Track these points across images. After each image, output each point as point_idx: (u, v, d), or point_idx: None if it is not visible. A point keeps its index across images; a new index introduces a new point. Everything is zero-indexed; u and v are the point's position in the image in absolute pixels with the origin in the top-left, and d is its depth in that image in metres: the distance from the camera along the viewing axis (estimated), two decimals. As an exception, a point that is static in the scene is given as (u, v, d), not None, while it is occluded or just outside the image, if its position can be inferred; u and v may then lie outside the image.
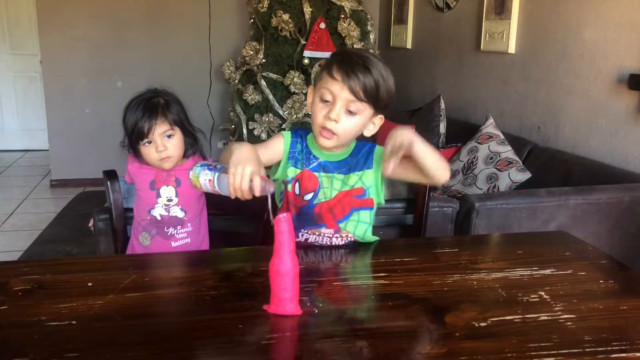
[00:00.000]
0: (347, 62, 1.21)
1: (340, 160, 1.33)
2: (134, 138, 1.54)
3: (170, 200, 1.61)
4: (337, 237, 1.32)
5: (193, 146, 1.64)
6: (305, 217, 1.32)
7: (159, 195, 1.61)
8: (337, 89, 1.21)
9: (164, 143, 1.55)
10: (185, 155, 1.63)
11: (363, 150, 1.34)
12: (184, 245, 1.63)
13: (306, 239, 1.33)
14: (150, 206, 1.62)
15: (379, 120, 1.30)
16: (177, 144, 1.58)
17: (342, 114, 1.22)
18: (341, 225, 1.32)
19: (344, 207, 1.32)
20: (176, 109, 1.58)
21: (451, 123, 3.22)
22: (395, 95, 1.28)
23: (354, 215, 1.32)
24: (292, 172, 1.33)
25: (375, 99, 1.22)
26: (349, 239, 1.33)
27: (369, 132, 1.30)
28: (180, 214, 1.62)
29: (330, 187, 1.32)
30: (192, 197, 1.64)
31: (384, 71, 1.23)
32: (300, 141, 1.35)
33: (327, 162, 1.33)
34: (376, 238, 1.36)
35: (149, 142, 1.54)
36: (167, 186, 1.61)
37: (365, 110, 1.24)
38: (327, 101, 1.23)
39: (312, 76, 3.63)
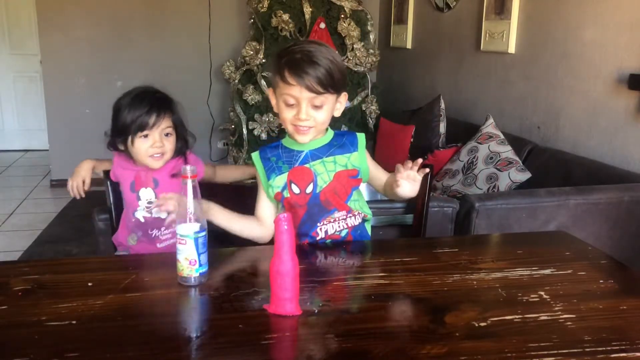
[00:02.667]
0: (294, 64, 1.25)
1: (324, 145, 1.37)
2: (133, 130, 1.52)
3: (150, 202, 1.60)
4: (350, 217, 1.37)
5: (181, 150, 1.62)
6: (316, 209, 1.34)
7: (139, 198, 1.60)
8: (297, 92, 1.25)
9: (162, 140, 1.54)
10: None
11: (345, 136, 1.39)
12: (171, 246, 1.60)
13: (325, 231, 1.35)
14: (133, 208, 1.61)
15: (344, 97, 1.35)
16: (172, 144, 1.57)
17: (309, 111, 1.28)
18: (349, 204, 1.37)
19: (345, 187, 1.36)
20: (179, 110, 1.59)
21: (451, 123, 3.21)
22: (346, 70, 1.34)
23: (354, 194, 1.38)
24: (279, 180, 1.35)
25: (332, 85, 1.27)
26: (359, 216, 1.38)
27: (338, 112, 1.36)
28: (164, 215, 1.55)
29: (325, 170, 1.35)
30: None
31: (329, 55, 1.27)
32: (272, 152, 1.38)
33: (312, 150, 1.36)
34: (369, 211, 1.43)
35: (145, 136, 1.53)
36: (146, 188, 1.60)
37: (328, 98, 1.29)
38: (291, 104, 1.28)
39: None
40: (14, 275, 1.11)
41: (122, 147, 1.58)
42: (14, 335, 0.90)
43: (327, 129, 1.38)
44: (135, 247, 1.64)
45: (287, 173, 1.34)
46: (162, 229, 1.61)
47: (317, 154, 1.35)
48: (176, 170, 1.61)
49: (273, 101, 1.35)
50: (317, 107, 1.28)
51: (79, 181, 1.68)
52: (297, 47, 1.29)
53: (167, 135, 1.55)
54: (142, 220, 1.61)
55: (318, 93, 1.25)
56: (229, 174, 1.85)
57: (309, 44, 1.29)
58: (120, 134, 1.55)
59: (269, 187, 1.35)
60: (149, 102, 1.53)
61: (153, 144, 1.53)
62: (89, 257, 2.08)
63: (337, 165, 1.35)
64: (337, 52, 1.37)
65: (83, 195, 1.70)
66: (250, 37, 3.94)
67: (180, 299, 1.06)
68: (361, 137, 1.39)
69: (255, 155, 1.39)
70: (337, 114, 1.35)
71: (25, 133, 6.02)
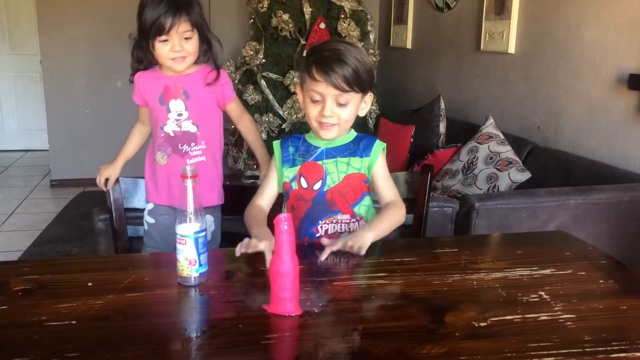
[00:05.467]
0: (322, 61, 1.27)
1: (342, 145, 1.38)
2: (152, 33, 1.52)
3: (180, 114, 1.59)
4: (353, 223, 1.37)
5: (206, 53, 1.61)
6: (320, 206, 1.35)
7: (169, 110, 1.60)
8: (322, 89, 1.28)
9: (181, 44, 1.53)
10: (196, 61, 1.61)
11: (364, 139, 1.39)
12: (200, 163, 1.62)
13: (326, 230, 1.36)
14: (162, 122, 1.61)
15: (369, 98, 1.36)
16: (193, 47, 1.56)
17: (334, 108, 1.30)
18: (355, 209, 1.37)
19: (355, 190, 1.36)
20: (197, 9, 1.57)
21: (451, 123, 3.22)
22: (374, 71, 1.37)
23: (365, 199, 1.38)
24: (290, 172, 1.37)
25: (358, 84, 1.28)
26: (364, 224, 1.37)
27: (362, 111, 1.38)
28: (193, 129, 1.61)
29: (336, 170, 1.35)
30: (204, 110, 1.63)
31: (357, 55, 1.28)
32: (293, 143, 1.40)
33: (329, 149, 1.37)
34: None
35: (165, 40, 1.53)
36: (176, 100, 1.59)
37: (354, 97, 1.30)
38: (317, 101, 1.30)
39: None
40: (14, 275, 1.10)
41: (146, 49, 1.57)
42: (14, 335, 0.90)
43: (349, 129, 1.40)
44: (165, 167, 1.64)
45: (299, 166, 1.36)
46: (192, 144, 1.62)
47: (332, 152, 1.37)
48: (209, 80, 1.61)
49: (300, 98, 1.37)
50: (341, 105, 1.30)
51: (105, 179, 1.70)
52: (327, 45, 1.31)
53: (186, 39, 1.54)
54: (172, 134, 1.61)
55: (343, 91, 1.27)
56: (250, 140, 1.81)
57: (339, 43, 1.31)
58: (142, 37, 1.56)
59: (280, 175, 1.38)
60: (166, 4, 1.50)
61: (172, 48, 1.53)
62: (89, 257, 2.08)
63: (350, 167, 1.36)
64: (365, 52, 1.40)
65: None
66: (250, 37, 3.94)
67: (180, 299, 1.06)
68: (377, 145, 1.37)
69: (276, 144, 1.42)
70: (362, 113, 1.37)
71: (25, 133, 6.02)
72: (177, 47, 1.53)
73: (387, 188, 1.39)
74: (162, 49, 1.54)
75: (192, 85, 1.61)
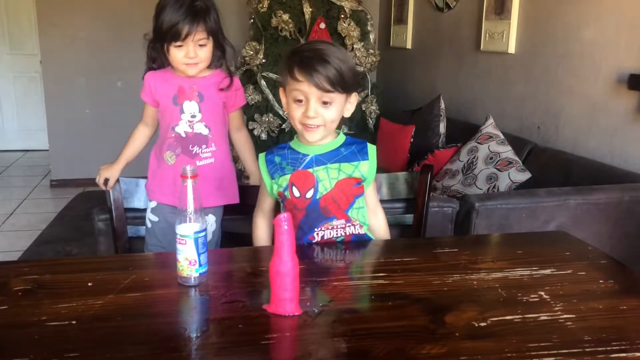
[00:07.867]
0: (304, 61, 1.24)
1: (331, 151, 1.36)
2: (168, 38, 1.54)
3: (194, 116, 1.61)
4: (350, 227, 1.36)
5: (220, 59, 1.64)
6: (314, 214, 1.34)
7: (182, 111, 1.61)
8: (305, 89, 1.25)
9: (196, 51, 1.55)
10: (209, 66, 1.63)
11: (354, 144, 1.38)
12: (209, 165, 1.63)
13: (322, 237, 1.35)
14: (174, 122, 1.61)
15: (354, 98, 1.34)
16: (207, 54, 1.58)
17: (318, 108, 1.27)
18: (349, 213, 1.36)
19: (347, 195, 1.35)
20: (214, 16, 1.58)
21: (451, 123, 3.22)
22: (357, 72, 1.35)
23: (356, 202, 1.37)
24: (283, 180, 1.35)
25: (342, 84, 1.26)
26: (359, 227, 1.38)
27: (348, 112, 1.34)
28: (205, 131, 1.62)
29: (328, 177, 1.34)
30: (216, 114, 1.64)
31: (339, 54, 1.27)
32: (279, 152, 1.38)
33: (318, 155, 1.35)
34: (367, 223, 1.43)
35: (180, 46, 1.55)
36: (190, 101, 1.61)
37: (337, 96, 1.28)
38: (300, 100, 1.28)
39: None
40: (14, 275, 1.11)
41: (159, 51, 1.60)
42: (14, 335, 0.90)
43: (338, 133, 1.38)
44: (172, 167, 1.64)
45: (290, 175, 1.34)
46: (203, 146, 1.63)
47: (322, 159, 1.34)
48: (223, 85, 1.64)
49: (283, 100, 1.34)
50: (325, 104, 1.27)
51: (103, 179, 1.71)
52: (308, 46, 1.29)
53: (201, 46, 1.56)
54: (183, 135, 1.62)
55: (327, 91, 1.25)
56: (242, 151, 1.81)
57: (320, 44, 1.29)
58: (158, 39, 1.58)
59: (273, 185, 1.37)
60: (185, 11, 1.52)
61: (187, 54, 1.55)
62: (89, 257, 2.08)
63: (342, 173, 1.34)
64: (347, 52, 1.38)
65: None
66: (250, 37, 3.94)
67: (180, 299, 1.06)
68: (372, 148, 1.38)
69: (261, 157, 1.41)
70: (347, 114, 1.35)
71: (25, 133, 6.02)
72: (191, 53, 1.55)
73: (373, 192, 1.45)
74: (177, 54, 1.56)
75: (207, 89, 1.63)
